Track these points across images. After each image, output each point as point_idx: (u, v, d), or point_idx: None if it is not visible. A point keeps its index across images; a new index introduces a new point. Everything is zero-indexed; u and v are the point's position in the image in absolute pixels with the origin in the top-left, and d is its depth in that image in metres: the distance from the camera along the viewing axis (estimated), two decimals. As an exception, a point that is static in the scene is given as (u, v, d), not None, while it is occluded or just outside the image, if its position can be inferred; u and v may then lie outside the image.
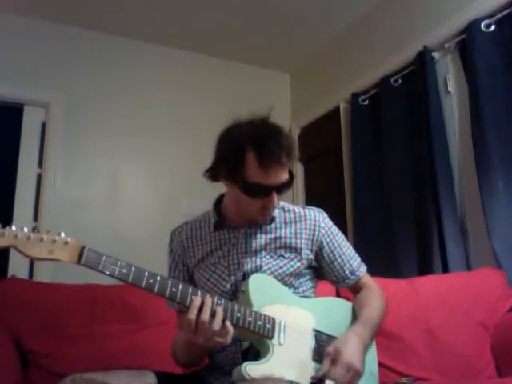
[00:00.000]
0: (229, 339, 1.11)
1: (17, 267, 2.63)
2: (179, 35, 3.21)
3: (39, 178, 2.86)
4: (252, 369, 1.12)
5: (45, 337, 1.67)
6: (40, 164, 2.88)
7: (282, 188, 1.25)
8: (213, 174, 1.30)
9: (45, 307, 1.72)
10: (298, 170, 3.49)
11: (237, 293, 1.29)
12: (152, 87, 3.22)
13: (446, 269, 2.19)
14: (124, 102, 3.12)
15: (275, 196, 1.24)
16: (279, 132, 1.25)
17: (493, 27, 2.15)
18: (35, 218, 2.79)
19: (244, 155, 1.20)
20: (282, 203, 1.42)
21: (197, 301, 1.10)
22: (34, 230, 1.02)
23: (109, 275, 1.06)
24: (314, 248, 1.38)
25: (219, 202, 1.40)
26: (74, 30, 3.04)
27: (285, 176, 1.24)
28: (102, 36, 3.13)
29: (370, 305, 1.36)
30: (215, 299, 1.13)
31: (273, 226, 1.36)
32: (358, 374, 1.17)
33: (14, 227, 0.99)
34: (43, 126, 2.94)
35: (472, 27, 2.19)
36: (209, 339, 1.10)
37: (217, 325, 1.09)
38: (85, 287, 1.82)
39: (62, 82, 2.98)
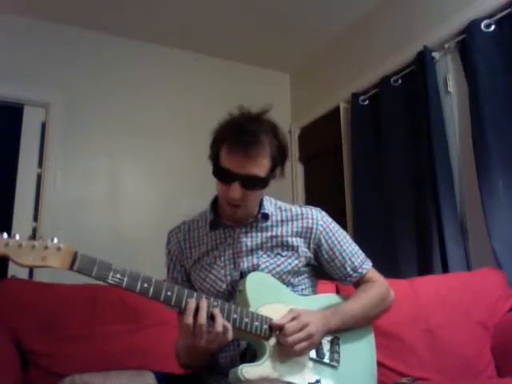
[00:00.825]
0: (230, 337, 1.11)
1: (17, 267, 2.61)
2: (179, 35, 3.21)
3: (39, 178, 2.86)
4: (248, 371, 1.11)
5: (45, 337, 1.67)
6: (40, 164, 2.88)
7: (247, 182, 1.22)
8: (210, 157, 1.31)
9: (45, 307, 1.72)
10: (298, 170, 3.50)
11: (233, 293, 1.28)
12: (152, 87, 3.22)
13: (446, 269, 2.19)
14: (124, 102, 3.12)
15: (237, 187, 1.22)
16: (266, 128, 1.26)
17: (493, 27, 2.15)
18: (35, 218, 2.79)
19: (223, 141, 1.24)
20: (278, 203, 1.41)
21: (192, 304, 1.09)
22: (33, 231, 1.02)
23: (102, 281, 1.05)
24: (312, 246, 1.37)
25: (217, 200, 1.39)
26: (74, 30, 3.05)
27: (252, 170, 1.22)
28: (102, 36, 3.14)
29: (355, 297, 1.37)
30: (211, 301, 1.13)
31: (269, 224, 1.36)
32: (310, 338, 1.18)
33: (5, 235, 0.98)
34: (43, 126, 2.95)
35: (472, 27, 2.19)
36: (211, 341, 1.10)
37: (219, 326, 1.09)
38: (85, 287, 1.82)
39: (62, 82, 2.98)
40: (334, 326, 1.27)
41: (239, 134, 1.21)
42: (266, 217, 1.35)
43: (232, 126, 1.26)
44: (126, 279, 1.06)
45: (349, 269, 1.40)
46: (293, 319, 1.18)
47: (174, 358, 1.32)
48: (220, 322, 1.10)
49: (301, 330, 1.17)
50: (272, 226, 1.36)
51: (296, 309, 1.22)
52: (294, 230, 1.36)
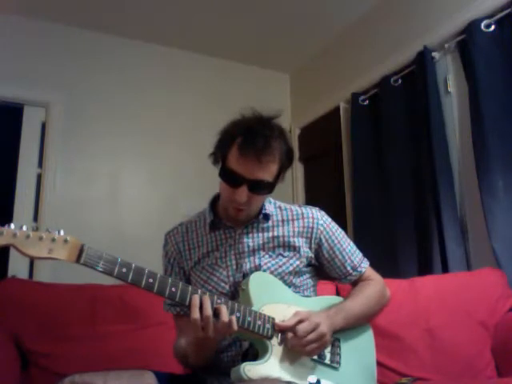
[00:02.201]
0: (235, 327, 1.11)
1: (17, 267, 2.63)
2: (179, 35, 3.21)
3: (39, 177, 2.86)
4: (250, 369, 1.12)
5: (45, 337, 1.67)
6: (40, 164, 2.88)
7: (255, 186, 1.22)
8: (213, 158, 1.31)
9: (45, 307, 1.72)
10: (298, 170, 3.50)
11: (236, 294, 1.28)
12: (152, 87, 3.22)
13: (446, 269, 2.19)
14: (124, 102, 3.12)
15: (245, 190, 1.21)
16: (277, 134, 1.25)
17: (493, 27, 2.15)
18: (35, 218, 2.79)
19: (232, 142, 1.22)
20: (278, 203, 1.41)
21: (196, 300, 1.10)
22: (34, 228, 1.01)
23: (108, 274, 1.05)
24: (313, 246, 1.37)
25: (215, 201, 1.39)
26: (74, 30, 3.05)
27: (261, 175, 1.21)
28: (102, 36, 3.14)
29: (354, 295, 1.37)
30: (215, 298, 1.13)
31: (270, 224, 1.36)
32: (323, 338, 1.18)
33: (12, 225, 0.97)
34: (43, 126, 2.94)
35: (472, 27, 2.19)
36: (219, 332, 1.10)
37: (225, 317, 1.09)
38: (85, 287, 1.82)
39: (61, 81, 2.98)
40: (339, 325, 1.27)
41: (251, 138, 1.19)
42: (266, 217, 1.35)
43: (243, 129, 1.23)
44: (131, 274, 1.06)
45: (349, 267, 1.40)
46: (301, 321, 1.18)
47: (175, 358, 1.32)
48: (225, 313, 1.10)
49: (313, 330, 1.17)
50: (273, 226, 1.36)
51: (302, 312, 1.22)
52: (296, 229, 1.36)
